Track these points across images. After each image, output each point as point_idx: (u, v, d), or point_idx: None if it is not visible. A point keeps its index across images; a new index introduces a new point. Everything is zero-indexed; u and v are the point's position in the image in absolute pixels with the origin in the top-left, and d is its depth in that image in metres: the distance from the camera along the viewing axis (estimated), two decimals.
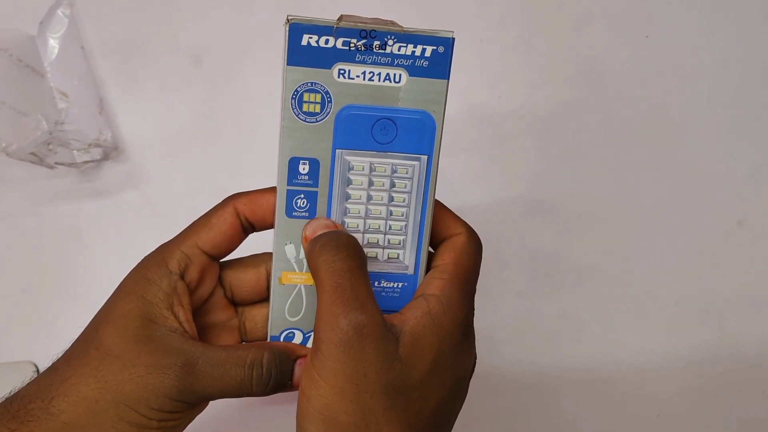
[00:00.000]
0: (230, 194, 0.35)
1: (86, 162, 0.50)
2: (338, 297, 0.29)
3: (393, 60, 0.31)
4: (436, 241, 0.35)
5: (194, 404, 0.31)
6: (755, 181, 0.54)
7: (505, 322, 0.52)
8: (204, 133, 0.53)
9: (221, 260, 0.36)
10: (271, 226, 0.34)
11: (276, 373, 0.32)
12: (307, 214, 0.33)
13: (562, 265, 0.53)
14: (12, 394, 0.31)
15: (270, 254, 0.34)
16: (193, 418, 0.33)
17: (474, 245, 0.34)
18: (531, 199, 0.53)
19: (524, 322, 0.53)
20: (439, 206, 0.34)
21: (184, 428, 0.33)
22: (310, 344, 0.34)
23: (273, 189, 0.33)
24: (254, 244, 0.36)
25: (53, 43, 0.51)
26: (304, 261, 0.33)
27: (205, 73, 0.53)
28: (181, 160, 0.52)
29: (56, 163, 0.50)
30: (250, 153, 0.52)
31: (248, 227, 0.35)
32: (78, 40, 0.52)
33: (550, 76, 0.54)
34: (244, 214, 0.34)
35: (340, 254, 0.30)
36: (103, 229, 0.52)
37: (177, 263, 0.33)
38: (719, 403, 0.53)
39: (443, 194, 0.52)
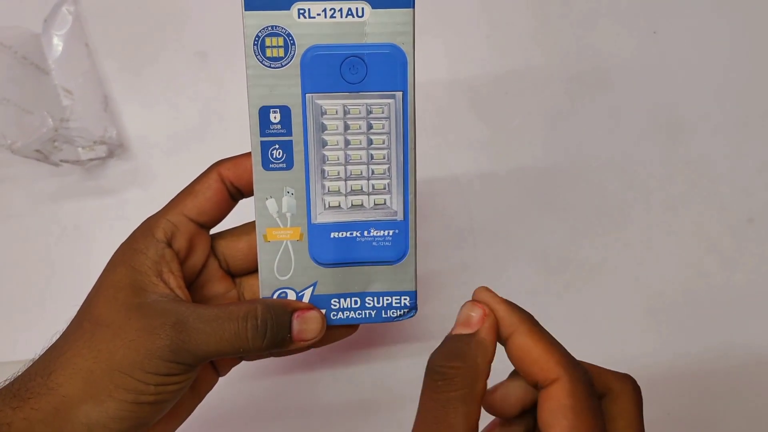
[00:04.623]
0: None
1: (91, 159, 0.50)
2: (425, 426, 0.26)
3: None
4: (527, 379, 0.29)
5: (191, 365, 0.31)
6: (766, 179, 0.53)
7: None
8: (209, 131, 0.52)
9: (215, 232, 0.36)
10: None
11: (272, 324, 0.31)
12: (284, 165, 0.32)
13: (572, 264, 0.52)
14: (14, 377, 0.31)
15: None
16: (191, 380, 0.32)
17: (586, 392, 0.27)
18: (541, 197, 0.53)
19: None
20: (521, 332, 0.28)
21: (182, 392, 0.32)
22: (305, 300, 0.33)
23: None
24: (249, 215, 0.35)
25: (58, 41, 0.50)
26: (288, 215, 0.32)
27: (210, 69, 0.53)
28: (186, 157, 0.52)
29: (61, 161, 0.50)
30: None
31: (235, 193, 0.34)
32: (82, 37, 0.51)
33: (556, 73, 0.54)
34: (229, 180, 0.34)
35: (444, 386, 0.27)
36: (107, 227, 0.51)
37: (163, 231, 0.33)
38: (730, 401, 0.52)
39: (453, 197, 0.52)
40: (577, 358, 0.30)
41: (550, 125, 0.53)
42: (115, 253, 0.33)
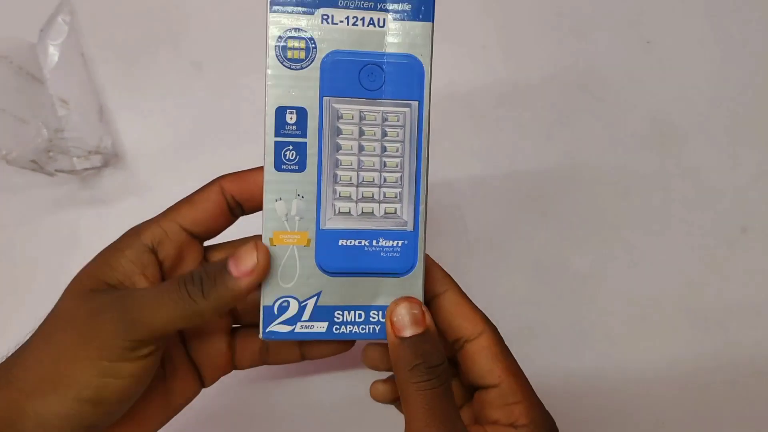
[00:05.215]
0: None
1: (86, 169, 0.50)
2: (432, 419, 0.29)
3: (376, 4, 0.31)
4: (449, 334, 0.33)
5: (140, 342, 0.29)
6: (759, 188, 0.54)
7: (506, 329, 0.52)
8: (205, 141, 0.52)
9: (211, 245, 0.35)
10: (260, 207, 0.32)
11: (207, 273, 0.30)
12: (296, 167, 0.32)
13: (566, 273, 0.53)
14: None
15: (260, 236, 0.32)
16: (141, 379, 0.30)
17: (503, 341, 0.33)
18: (535, 207, 0.53)
19: (526, 331, 0.52)
20: (452, 292, 0.33)
21: (131, 393, 0.31)
22: (306, 315, 0.32)
23: (262, 168, 0.32)
24: (248, 232, 0.35)
25: (53, 51, 0.50)
26: (297, 219, 0.32)
27: (206, 80, 0.53)
28: (181, 167, 0.52)
29: (56, 171, 0.50)
30: (252, 161, 0.51)
31: (236, 208, 0.34)
32: (78, 47, 0.52)
33: (550, 83, 0.54)
34: (231, 193, 0.33)
35: (431, 381, 0.30)
36: (103, 237, 0.51)
37: (150, 235, 0.32)
38: (723, 411, 0.52)
39: (448, 207, 0.52)
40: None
41: (544, 135, 0.53)
42: (101, 251, 0.33)
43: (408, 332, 0.31)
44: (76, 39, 0.51)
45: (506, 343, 0.34)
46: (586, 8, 0.54)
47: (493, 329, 0.33)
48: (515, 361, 0.33)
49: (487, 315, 0.34)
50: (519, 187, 0.53)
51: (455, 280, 0.34)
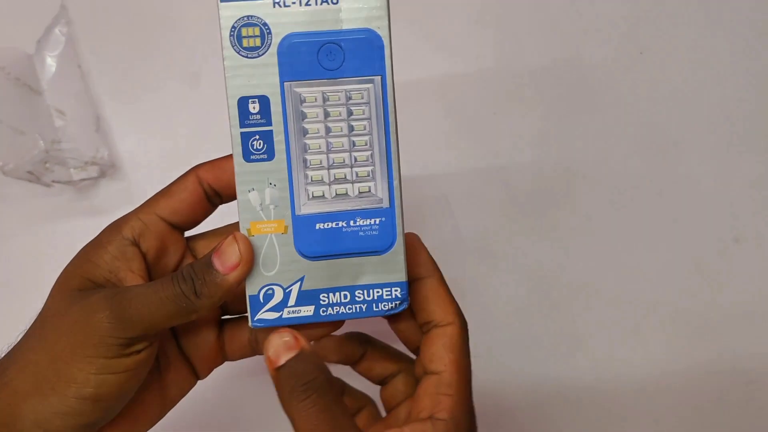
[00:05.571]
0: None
1: (83, 180, 0.50)
2: None
3: None
4: (420, 317, 0.33)
5: (132, 338, 0.30)
6: (752, 198, 0.54)
7: (502, 338, 0.52)
8: (201, 151, 0.52)
9: (194, 234, 0.35)
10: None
11: (196, 269, 0.30)
12: (265, 156, 0.31)
13: (560, 282, 0.53)
14: None
15: (239, 226, 0.32)
16: (137, 372, 0.31)
17: (467, 339, 0.32)
18: (529, 215, 0.53)
19: (521, 339, 0.52)
20: (434, 279, 0.33)
21: (129, 387, 0.31)
22: (292, 300, 0.32)
23: None
24: (230, 219, 0.35)
25: (50, 62, 0.51)
26: (272, 207, 0.32)
27: (202, 90, 0.53)
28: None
29: (53, 181, 0.50)
30: None
31: (214, 196, 0.34)
32: (75, 58, 0.52)
33: (544, 93, 0.54)
34: (208, 182, 0.33)
35: (311, 398, 0.29)
36: None
37: (131, 229, 0.32)
38: (718, 420, 0.52)
39: (442, 216, 0.52)
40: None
41: (538, 145, 0.54)
42: (85, 246, 0.33)
43: (283, 360, 0.30)
44: (73, 50, 0.52)
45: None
46: (581, 18, 0.55)
47: (462, 324, 0.33)
48: (469, 361, 0.32)
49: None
50: (513, 197, 0.53)
51: (450, 287, 0.34)
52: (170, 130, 0.53)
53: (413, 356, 0.36)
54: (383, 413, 0.37)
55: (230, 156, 0.32)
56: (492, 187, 0.53)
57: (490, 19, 0.55)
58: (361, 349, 0.37)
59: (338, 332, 0.35)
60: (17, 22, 0.53)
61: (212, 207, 0.35)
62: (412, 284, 0.33)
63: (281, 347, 0.31)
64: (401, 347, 0.36)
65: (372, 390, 0.38)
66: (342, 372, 0.37)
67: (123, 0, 0.53)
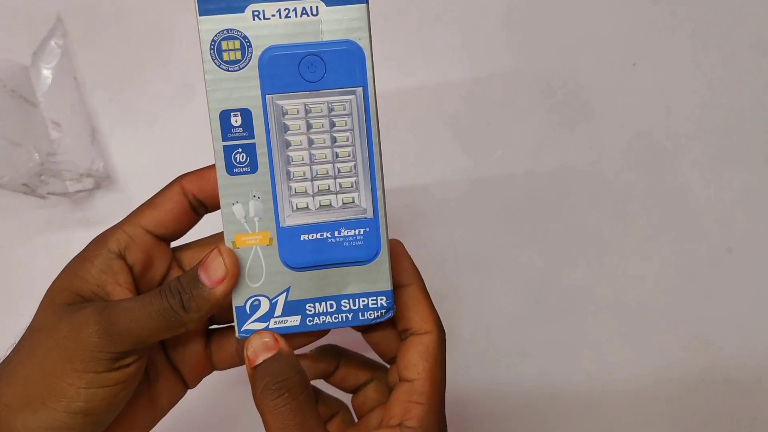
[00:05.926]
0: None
1: (78, 192, 0.51)
2: None
3: None
4: (399, 324, 0.34)
5: (122, 353, 0.30)
6: (744, 208, 0.54)
7: (496, 347, 0.52)
8: (196, 163, 0.52)
9: (180, 244, 0.35)
10: None
11: (183, 283, 0.30)
12: (248, 169, 0.31)
13: (554, 291, 0.53)
14: None
15: (223, 238, 0.32)
16: (127, 386, 0.31)
17: (443, 349, 0.33)
18: (523, 226, 0.54)
19: (515, 348, 0.53)
20: (415, 287, 0.33)
21: (119, 400, 0.31)
22: (278, 311, 0.33)
23: None
24: (216, 229, 0.35)
25: (46, 74, 0.51)
26: (256, 220, 0.32)
27: (197, 102, 0.53)
28: None
29: (48, 193, 0.50)
30: None
31: (198, 206, 0.34)
32: (71, 70, 0.52)
33: (537, 104, 0.55)
34: (192, 192, 0.33)
35: (282, 396, 0.30)
36: None
37: (116, 242, 0.32)
38: (711, 429, 0.52)
39: (437, 226, 0.53)
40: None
41: (531, 155, 0.54)
42: (71, 260, 0.33)
43: (261, 359, 0.31)
44: (68, 62, 0.52)
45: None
46: (574, 30, 0.55)
47: (440, 334, 0.33)
48: (444, 371, 0.33)
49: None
50: (507, 207, 0.54)
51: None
52: (165, 142, 0.53)
53: (386, 365, 0.36)
54: (356, 420, 0.38)
55: (214, 165, 0.32)
56: (486, 197, 0.54)
57: (484, 31, 0.55)
58: (334, 362, 0.37)
59: (311, 345, 0.36)
60: (13, 34, 0.53)
61: (197, 217, 0.35)
62: (399, 289, 0.33)
63: (260, 347, 0.31)
64: (373, 355, 0.36)
65: (346, 397, 0.38)
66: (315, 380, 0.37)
67: (118, 12, 0.54)
